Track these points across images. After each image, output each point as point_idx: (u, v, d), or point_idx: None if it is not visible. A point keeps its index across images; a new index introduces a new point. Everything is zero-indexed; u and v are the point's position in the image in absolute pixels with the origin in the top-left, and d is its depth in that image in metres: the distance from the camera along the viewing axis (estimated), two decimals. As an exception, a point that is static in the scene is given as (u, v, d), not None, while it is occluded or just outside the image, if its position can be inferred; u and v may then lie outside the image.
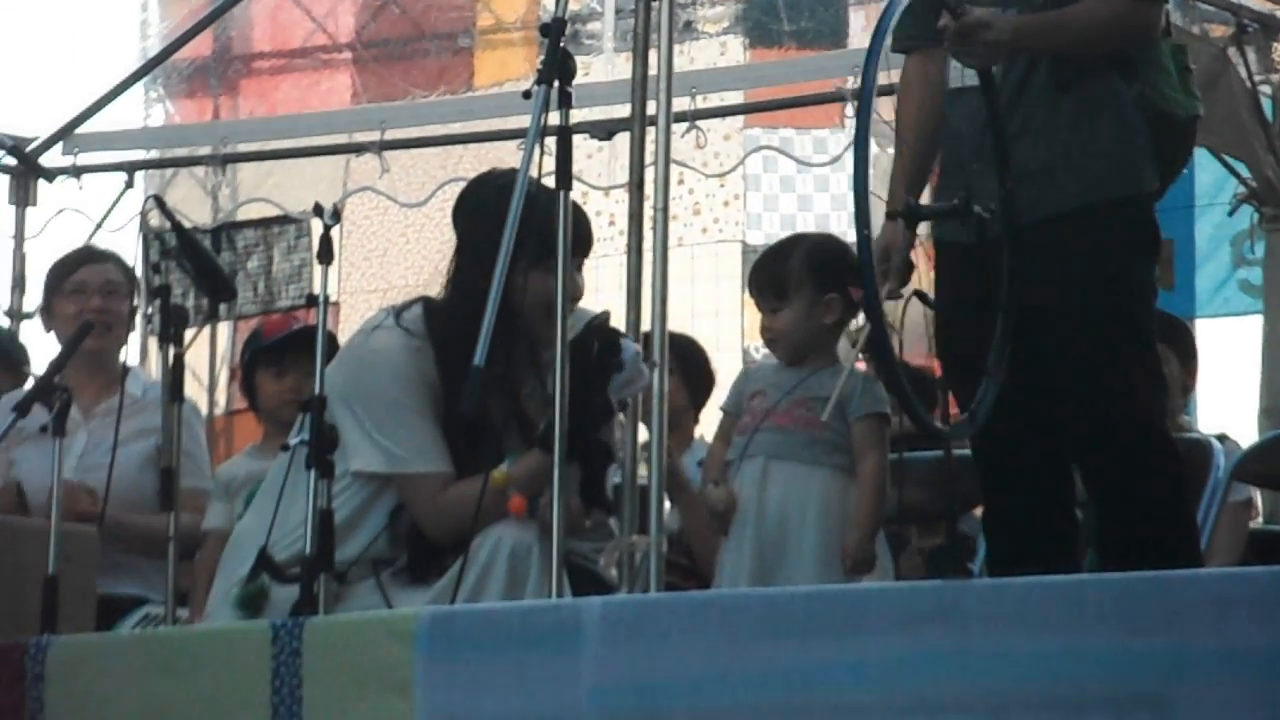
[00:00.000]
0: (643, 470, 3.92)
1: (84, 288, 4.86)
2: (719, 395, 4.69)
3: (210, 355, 8.07)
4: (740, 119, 7.92)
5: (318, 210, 3.41)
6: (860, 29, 7.94)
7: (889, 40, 3.09)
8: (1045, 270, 3.36)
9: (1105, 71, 3.44)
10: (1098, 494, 3.44)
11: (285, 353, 4.69)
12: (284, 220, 7.86)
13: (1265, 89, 5.88)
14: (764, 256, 4.12)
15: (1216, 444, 4.74)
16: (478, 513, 3.30)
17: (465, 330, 3.10)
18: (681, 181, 7.82)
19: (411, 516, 3.58)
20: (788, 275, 3.90)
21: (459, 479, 3.55)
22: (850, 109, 6.70)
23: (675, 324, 5.78)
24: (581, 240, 3.65)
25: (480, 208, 3.63)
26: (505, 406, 3.55)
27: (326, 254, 3.38)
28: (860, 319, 3.93)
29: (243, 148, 6.94)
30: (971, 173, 3.42)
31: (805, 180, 8.82)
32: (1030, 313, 3.35)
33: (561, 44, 2.99)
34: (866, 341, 3.87)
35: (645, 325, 3.87)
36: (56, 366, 4.20)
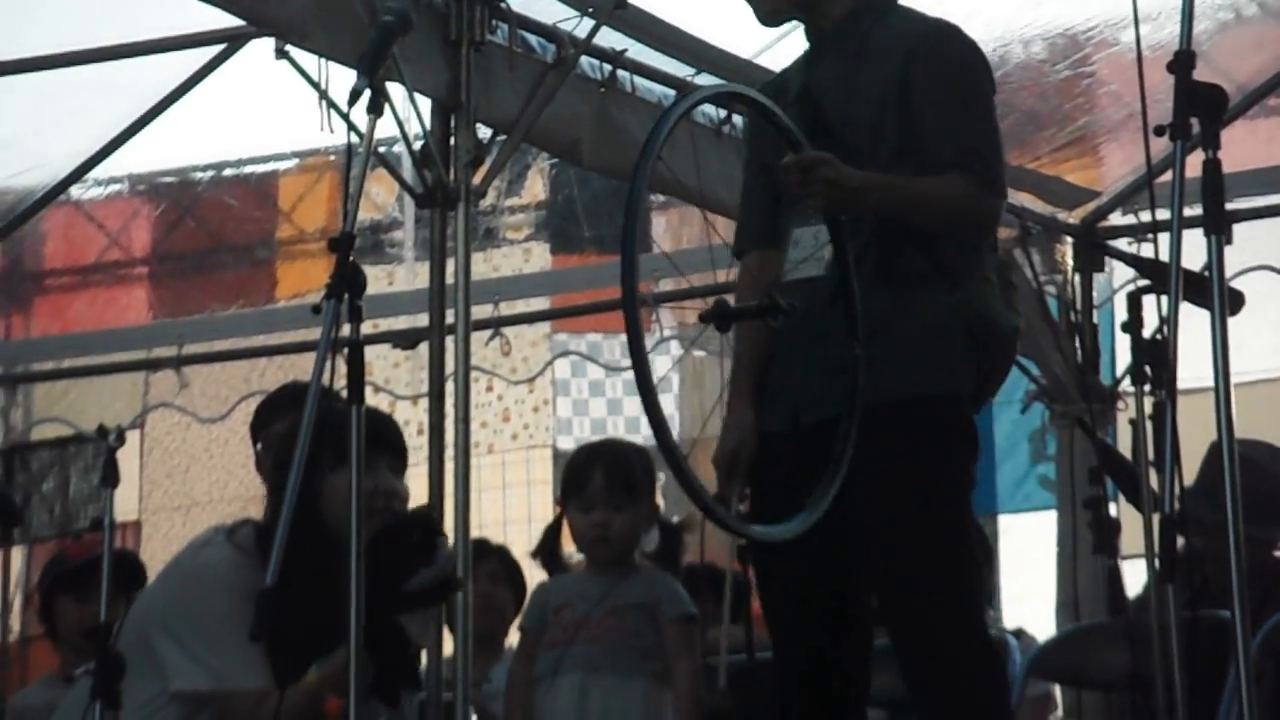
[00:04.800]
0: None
1: None
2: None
3: (3, 580, 7.81)
4: (547, 325, 7.95)
5: (102, 432, 3.34)
6: (662, 233, 8.04)
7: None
8: (853, 467, 3.28)
9: (927, 274, 3.44)
10: (916, 696, 3.38)
11: (89, 577, 4.57)
12: (80, 439, 7.70)
13: (1050, 289, 6.03)
14: (617, 455, 4.05)
15: (1012, 640, 4.79)
16: None
17: (289, 545, 3.03)
18: (490, 388, 7.80)
19: None
20: (640, 478, 3.92)
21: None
22: (657, 314, 6.77)
23: (488, 531, 5.71)
24: (392, 444, 3.62)
25: (291, 426, 3.58)
26: (316, 614, 3.48)
27: (112, 477, 3.32)
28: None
29: (36, 367, 6.79)
30: (793, 362, 3.41)
31: (614, 384, 8.85)
32: (841, 507, 3.28)
33: (351, 257, 2.97)
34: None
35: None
36: None
